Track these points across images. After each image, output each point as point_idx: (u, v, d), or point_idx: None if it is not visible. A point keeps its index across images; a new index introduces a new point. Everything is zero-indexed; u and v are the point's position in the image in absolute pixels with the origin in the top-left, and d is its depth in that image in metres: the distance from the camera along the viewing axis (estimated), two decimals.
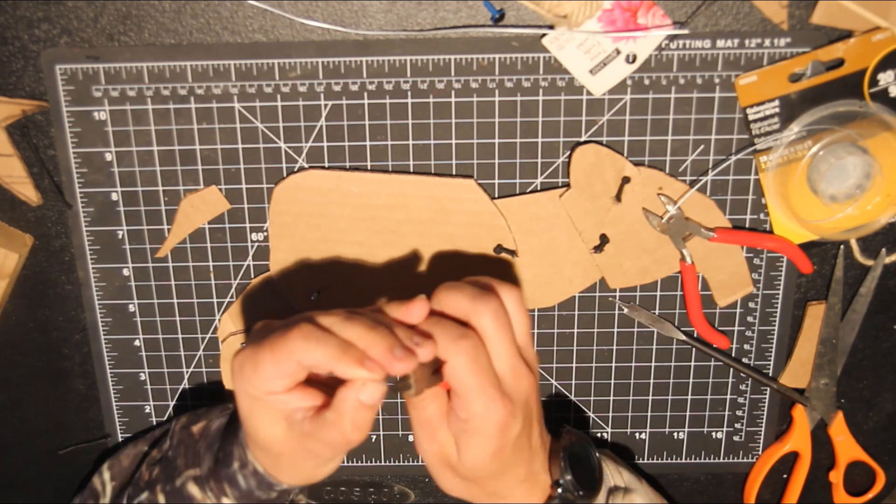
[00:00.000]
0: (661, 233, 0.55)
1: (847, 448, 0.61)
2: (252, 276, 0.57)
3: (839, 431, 0.60)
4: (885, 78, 0.51)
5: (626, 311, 0.57)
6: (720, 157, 0.54)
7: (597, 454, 0.51)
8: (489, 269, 0.54)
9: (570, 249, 0.55)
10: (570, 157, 0.53)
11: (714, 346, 0.58)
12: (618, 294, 0.57)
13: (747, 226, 0.55)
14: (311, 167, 0.54)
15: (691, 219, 0.54)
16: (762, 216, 0.55)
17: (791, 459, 0.62)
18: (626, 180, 0.53)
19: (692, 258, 0.55)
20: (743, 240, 0.55)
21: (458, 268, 0.55)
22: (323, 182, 0.54)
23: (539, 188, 0.55)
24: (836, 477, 0.62)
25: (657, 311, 0.58)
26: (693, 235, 0.54)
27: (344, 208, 0.54)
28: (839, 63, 0.51)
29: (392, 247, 0.55)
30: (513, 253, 0.54)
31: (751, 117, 0.52)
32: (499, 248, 0.54)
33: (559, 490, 0.47)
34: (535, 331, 0.58)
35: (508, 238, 0.54)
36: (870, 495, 0.62)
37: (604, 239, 0.54)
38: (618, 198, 0.53)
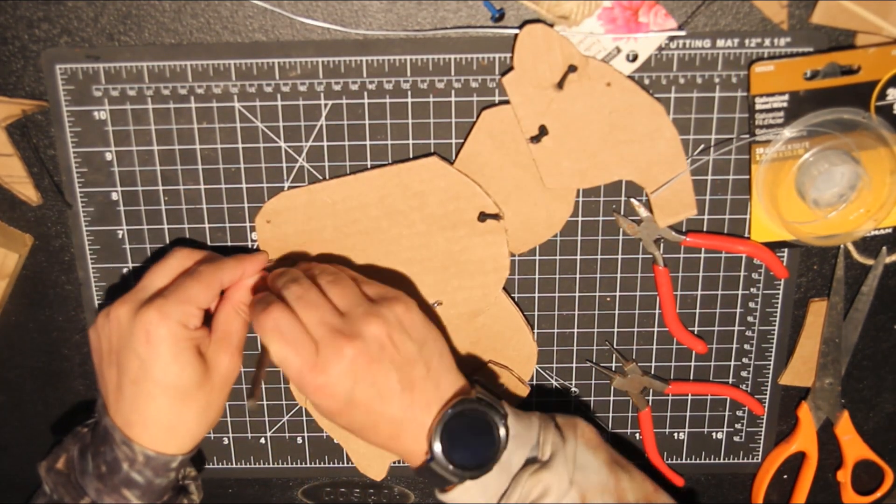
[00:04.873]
0: (632, 235, 0.55)
1: (854, 447, 0.61)
2: None
3: (846, 430, 0.60)
4: (894, 94, 0.51)
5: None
6: (719, 157, 0.54)
7: (502, 426, 0.46)
8: (481, 237, 0.54)
9: (536, 184, 0.54)
10: (516, 36, 0.50)
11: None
12: (617, 296, 0.57)
13: (726, 228, 0.56)
14: (290, 187, 0.55)
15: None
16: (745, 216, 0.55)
17: (793, 460, 0.62)
18: (571, 69, 0.50)
19: (663, 261, 0.56)
20: (715, 244, 0.55)
21: (450, 244, 0.54)
22: (296, 200, 0.54)
23: None
24: (844, 476, 0.62)
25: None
26: (665, 239, 0.55)
27: (324, 220, 0.54)
28: (856, 69, 0.51)
29: (381, 243, 0.54)
30: (497, 217, 0.53)
31: (758, 106, 0.52)
32: (482, 216, 0.54)
33: (429, 462, 0.46)
34: (536, 330, 0.58)
35: (489, 203, 0.53)
36: (878, 494, 0.62)
37: (543, 130, 0.52)
38: (560, 85, 0.50)
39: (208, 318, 0.50)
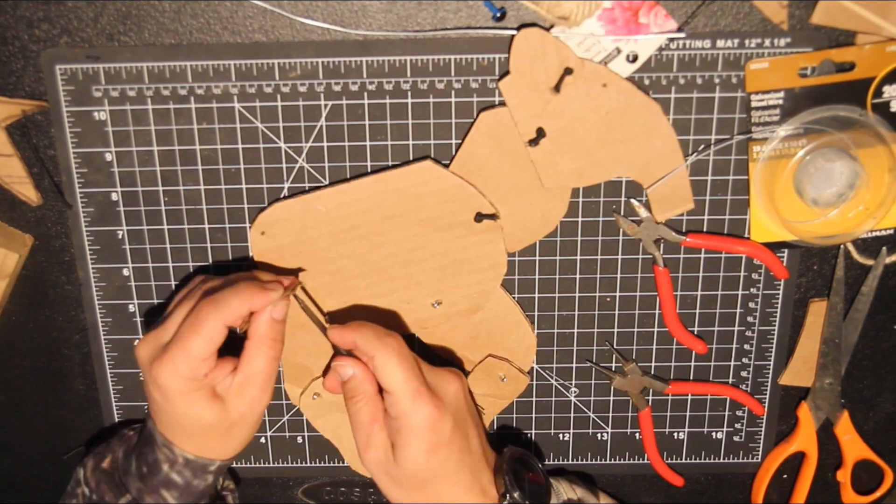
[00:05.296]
0: (632, 235, 0.55)
1: (854, 447, 0.61)
2: None
3: (845, 430, 0.60)
4: (889, 91, 0.51)
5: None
6: (719, 158, 0.54)
7: (542, 467, 0.53)
8: (477, 237, 0.54)
9: (532, 184, 0.54)
10: (512, 39, 0.51)
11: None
12: (617, 296, 0.57)
13: (726, 229, 0.55)
14: (279, 199, 0.55)
15: (661, 223, 0.54)
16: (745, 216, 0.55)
17: (792, 460, 0.62)
18: (567, 71, 0.51)
19: (664, 262, 0.56)
20: (715, 244, 0.55)
21: (446, 244, 0.54)
22: (290, 211, 0.54)
23: None
24: (844, 476, 0.62)
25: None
26: (665, 239, 0.55)
27: (319, 228, 0.54)
28: (850, 66, 0.51)
29: (379, 248, 0.54)
30: (493, 217, 0.54)
31: (754, 104, 0.52)
32: (479, 217, 0.54)
33: (506, 502, 0.49)
34: (536, 331, 0.58)
35: (485, 204, 0.54)
36: (878, 494, 0.62)
37: (540, 133, 0.52)
38: (556, 88, 0.51)
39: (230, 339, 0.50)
